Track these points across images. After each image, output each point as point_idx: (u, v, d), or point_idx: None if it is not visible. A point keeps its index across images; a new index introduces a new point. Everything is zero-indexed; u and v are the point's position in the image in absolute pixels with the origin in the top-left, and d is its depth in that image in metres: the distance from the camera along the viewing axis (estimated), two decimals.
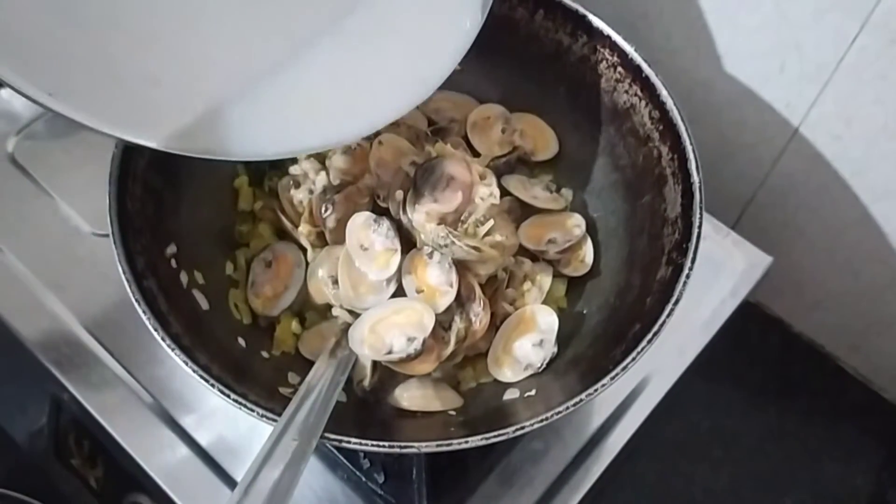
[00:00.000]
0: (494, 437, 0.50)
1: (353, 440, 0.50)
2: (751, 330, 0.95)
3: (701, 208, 0.59)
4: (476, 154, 0.70)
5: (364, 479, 0.64)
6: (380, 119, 0.55)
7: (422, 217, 0.61)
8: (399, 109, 0.55)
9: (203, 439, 0.68)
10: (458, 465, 0.65)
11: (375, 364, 0.60)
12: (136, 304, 0.53)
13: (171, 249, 0.61)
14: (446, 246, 0.60)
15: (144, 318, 0.53)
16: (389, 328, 0.58)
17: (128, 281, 0.54)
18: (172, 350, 0.52)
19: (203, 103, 0.50)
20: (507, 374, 0.61)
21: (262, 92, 0.52)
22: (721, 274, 0.78)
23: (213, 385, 0.51)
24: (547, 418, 0.51)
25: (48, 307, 0.73)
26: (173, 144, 0.48)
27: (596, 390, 0.52)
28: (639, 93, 0.65)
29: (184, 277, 0.61)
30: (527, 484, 0.67)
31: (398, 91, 0.56)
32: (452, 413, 0.59)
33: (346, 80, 0.55)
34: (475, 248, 0.60)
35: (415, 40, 0.57)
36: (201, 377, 0.51)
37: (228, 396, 0.51)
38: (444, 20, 0.58)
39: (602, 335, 0.62)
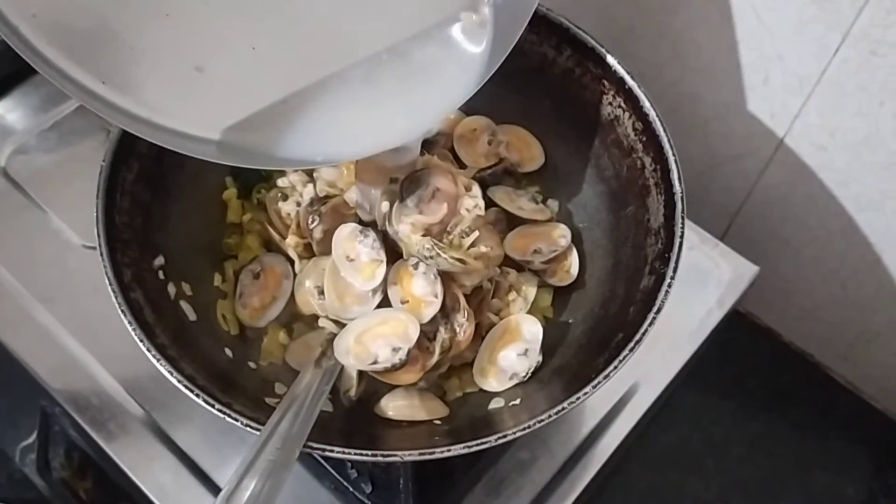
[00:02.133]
0: (477, 445, 0.50)
1: (337, 449, 0.50)
2: (740, 340, 0.96)
3: (683, 218, 0.59)
4: (462, 166, 0.71)
5: (351, 488, 0.64)
6: (407, 134, 0.57)
7: (407, 228, 0.61)
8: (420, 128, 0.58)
9: (192, 450, 0.68)
10: (446, 474, 0.65)
11: (361, 374, 0.60)
12: (122, 316, 0.54)
13: (159, 261, 0.62)
14: (431, 258, 0.60)
15: (130, 328, 0.53)
16: (374, 338, 0.59)
17: (114, 292, 0.55)
18: (158, 360, 0.52)
19: (249, 100, 0.51)
20: (492, 383, 0.62)
21: (305, 99, 0.53)
22: (708, 284, 0.79)
23: (197, 395, 0.51)
24: (529, 426, 0.51)
25: (39, 320, 0.73)
26: (222, 138, 0.50)
27: (578, 398, 0.52)
28: (622, 104, 0.65)
29: (171, 289, 0.61)
30: (514, 493, 0.67)
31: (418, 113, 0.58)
32: (438, 422, 0.60)
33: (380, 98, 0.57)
34: (460, 260, 0.60)
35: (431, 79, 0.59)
36: (186, 387, 0.52)
37: (213, 406, 0.51)
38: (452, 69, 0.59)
39: (586, 344, 0.62)
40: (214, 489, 0.67)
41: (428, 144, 0.72)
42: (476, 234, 0.63)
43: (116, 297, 0.54)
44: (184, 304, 0.62)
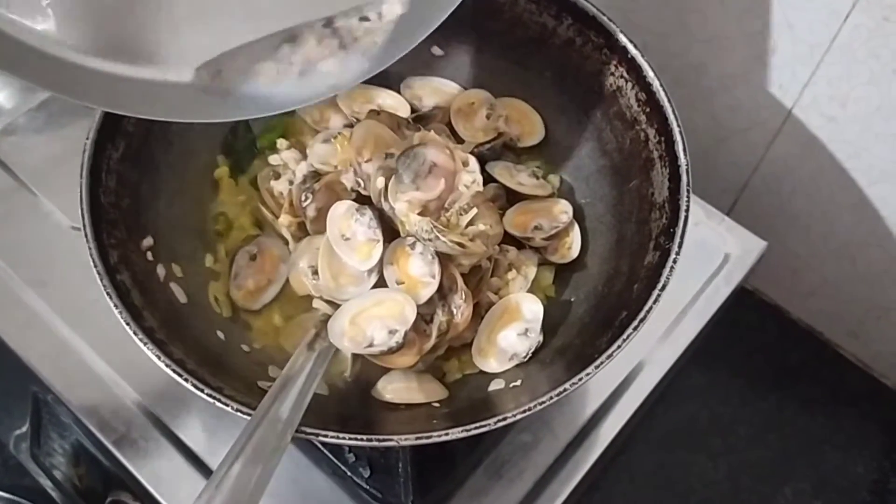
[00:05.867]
0: (475, 428, 0.49)
1: (330, 434, 0.49)
2: (748, 318, 0.94)
3: (688, 191, 0.57)
4: (460, 141, 0.69)
5: (349, 473, 0.63)
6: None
7: (404, 206, 0.60)
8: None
9: (186, 435, 0.67)
10: (446, 458, 0.64)
11: (357, 355, 0.58)
12: (107, 298, 0.52)
13: (148, 242, 0.60)
14: (430, 240, 0.58)
15: (116, 311, 0.52)
16: (370, 320, 0.57)
17: (99, 275, 0.53)
18: (145, 344, 0.51)
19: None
20: (492, 364, 0.60)
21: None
22: (715, 260, 0.77)
23: (186, 379, 0.50)
24: (530, 409, 0.49)
25: (29, 304, 0.72)
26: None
27: (581, 379, 0.50)
28: (625, 74, 0.63)
29: (161, 270, 0.60)
30: (516, 477, 0.65)
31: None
32: (437, 405, 0.58)
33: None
34: (459, 243, 0.59)
35: None
36: (175, 371, 0.50)
37: (202, 391, 0.50)
38: None
39: (589, 323, 0.60)
40: (209, 474, 0.65)
41: (424, 119, 0.70)
42: (474, 210, 0.61)
43: (102, 280, 0.53)
44: (174, 286, 0.60)
